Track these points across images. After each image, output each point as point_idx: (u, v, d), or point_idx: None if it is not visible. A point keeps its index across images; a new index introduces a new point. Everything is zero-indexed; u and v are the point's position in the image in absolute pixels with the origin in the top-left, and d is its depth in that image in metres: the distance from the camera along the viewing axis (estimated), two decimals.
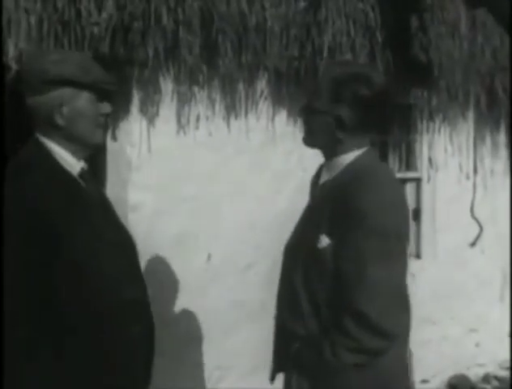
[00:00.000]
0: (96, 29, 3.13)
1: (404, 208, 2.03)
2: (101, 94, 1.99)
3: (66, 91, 1.92)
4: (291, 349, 2.02)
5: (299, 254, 2.07)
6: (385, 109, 2.04)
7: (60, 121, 1.93)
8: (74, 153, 1.97)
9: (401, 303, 1.98)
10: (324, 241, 1.96)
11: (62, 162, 1.95)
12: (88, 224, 1.90)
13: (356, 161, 2.03)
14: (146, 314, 2.04)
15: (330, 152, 2.08)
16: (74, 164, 1.97)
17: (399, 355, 2.02)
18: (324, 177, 2.10)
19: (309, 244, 2.00)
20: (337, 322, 1.91)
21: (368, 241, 1.88)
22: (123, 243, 2.05)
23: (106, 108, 2.01)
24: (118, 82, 2.09)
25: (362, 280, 1.88)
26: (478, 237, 5.29)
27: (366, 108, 1.99)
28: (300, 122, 4.12)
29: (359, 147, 2.04)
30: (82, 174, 1.99)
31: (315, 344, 1.97)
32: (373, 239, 1.88)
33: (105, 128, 2.08)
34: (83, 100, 1.95)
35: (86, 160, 2.04)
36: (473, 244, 5.28)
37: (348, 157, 2.04)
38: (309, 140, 2.11)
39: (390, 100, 2.06)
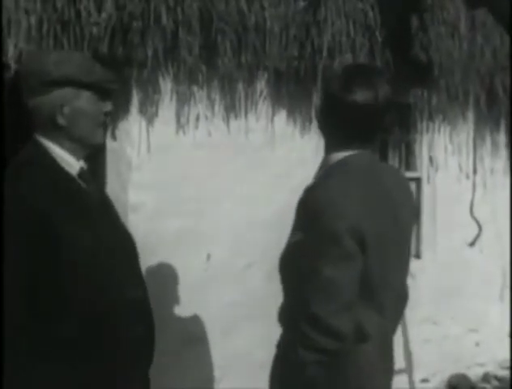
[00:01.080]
0: (95, 29, 3.14)
1: (374, 206, 1.91)
2: (103, 93, 2.00)
3: (68, 91, 1.92)
4: None
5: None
6: (365, 114, 1.93)
7: (61, 121, 1.93)
8: (73, 153, 1.97)
9: (362, 304, 1.89)
10: (294, 236, 1.97)
11: (62, 162, 1.95)
12: (87, 224, 1.90)
13: (341, 161, 1.98)
14: (146, 314, 2.04)
15: (326, 148, 2.08)
16: (73, 163, 1.97)
17: (369, 355, 1.94)
18: (316, 174, 2.07)
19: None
20: (295, 321, 1.89)
21: (321, 243, 1.84)
22: (123, 243, 2.04)
23: (108, 106, 2.02)
24: (118, 82, 2.09)
25: (316, 282, 1.84)
26: (477, 236, 5.29)
27: (334, 108, 1.95)
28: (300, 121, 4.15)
29: (350, 149, 1.98)
30: (81, 174, 1.99)
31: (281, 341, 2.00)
32: (326, 241, 1.84)
33: (105, 127, 2.08)
34: (85, 99, 1.95)
35: (86, 160, 2.04)
36: (472, 244, 5.28)
37: (336, 157, 2.00)
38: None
39: (376, 107, 1.93)
